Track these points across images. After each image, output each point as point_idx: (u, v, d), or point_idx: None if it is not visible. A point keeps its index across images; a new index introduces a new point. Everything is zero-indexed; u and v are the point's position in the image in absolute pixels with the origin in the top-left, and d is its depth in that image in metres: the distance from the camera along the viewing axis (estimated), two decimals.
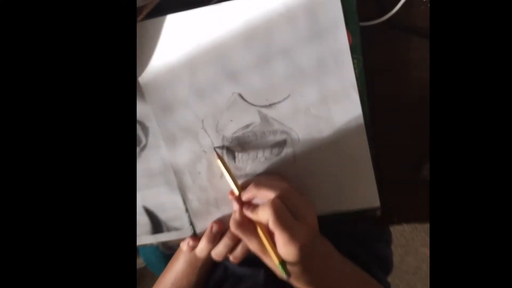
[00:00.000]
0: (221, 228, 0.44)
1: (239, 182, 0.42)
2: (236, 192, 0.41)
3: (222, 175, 0.43)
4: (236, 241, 0.43)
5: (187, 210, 0.45)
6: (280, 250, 0.36)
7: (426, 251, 1.12)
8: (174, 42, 0.40)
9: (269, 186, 0.38)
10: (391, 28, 0.41)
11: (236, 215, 0.40)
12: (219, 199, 0.44)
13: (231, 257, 0.43)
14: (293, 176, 0.42)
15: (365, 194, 0.42)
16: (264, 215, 0.37)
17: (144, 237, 0.46)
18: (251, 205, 0.40)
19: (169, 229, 0.45)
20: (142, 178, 0.44)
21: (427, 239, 1.14)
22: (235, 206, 0.40)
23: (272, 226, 0.36)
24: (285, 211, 0.37)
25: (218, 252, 0.43)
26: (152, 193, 0.45)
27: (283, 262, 0.36)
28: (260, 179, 0.42)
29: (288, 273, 0.37)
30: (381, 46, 0.41)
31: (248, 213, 0.39)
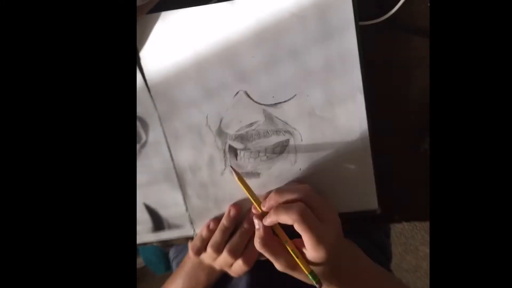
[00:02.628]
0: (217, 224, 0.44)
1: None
2: (258, 209, 0.40)
3: (223, 172, 0.43)
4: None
5: (187, 209, 0.45)
6: (309, 253, 0.36)
7: (426, 249, 1.12)
8: (182, 38, 0.40)
9: (291, 191, 0.38)
10: (391, 28, 0.41)
11: (260, 232, 0.38)
12: (219, 195, 0.44)
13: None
14: (293, 176, 0.42)
15: (364, 197, 0.43)
16: (288, 218, 0.36)
17: (145, 235, 0.46)
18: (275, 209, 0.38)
19: (170, 227, 0.45)
20: (143, 175, 0.44)
21: (427, 237, 1.14)
22: (257, 224, 0.39)
23: (299, 227, 0.35)
24: (309, 213, 0.36)
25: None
26: (153, 190, 0.45)
27: (312, 272, 0.37)
28: (281, 187, 0.42)
29: (319, 282, 0.37)
30: (381, 46, 0.41)
31: (270, 218, 0.38)
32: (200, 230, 0.44)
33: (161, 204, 0.45)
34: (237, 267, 0.42)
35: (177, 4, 0.40)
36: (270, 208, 0.39)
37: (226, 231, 0.43)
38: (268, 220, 0.38)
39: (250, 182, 0.43)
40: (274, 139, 0.42)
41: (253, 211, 0.41)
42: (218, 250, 0.42)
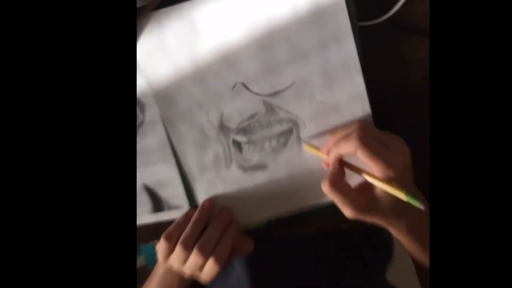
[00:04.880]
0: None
1: (247, 175, 0.43)
2: (323, 156, 0.39)
3: (229, 167, 0.43)
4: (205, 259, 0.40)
5: (186, 191, 0.45)
6: (380, 176, 0.34)
7: None
8: (175, 33, 0.41)
9: (344, 128, 0.37)
10: (391, 28, 0.41)
11: (328, 175, 0.36)
12: (227, 190, 0.44)
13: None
14: (300, 164, 0.42)
15: None
16: (348, 146, 0.34)
17: (145, 216, 0.46)
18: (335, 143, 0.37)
19: (170, 207, 0.45)
20: (140, 155, 0.44)
21: None
22: (331, 168, 0.37)
23: (362, 154, 0.33)
24: (370, 138, 0.34)
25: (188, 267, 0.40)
26: (151, 171, 0.45)
27: (410, 194, 0.33)
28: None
29: (423, 201, 0.33)
30: (381, 46, 0.42)
31: (332, 154, 0.36)
32: (178, 218, 0.43)
33: (160, 184, 0.45)
34: (208, 268, 0.39)
35: (171, 3, 0.40)
36: (329, 149, 0.38)
37: (198, 225, 0.41)
38: (331, 157, 0.37)
39: (258, 175, 0.43)
40: (277, 129, 0.42)
41: (323, 164, 0.40)
42: (188, 247, 0.39)
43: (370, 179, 0.36)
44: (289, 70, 0.40)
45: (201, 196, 0.45)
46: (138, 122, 0.44)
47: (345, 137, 0.35)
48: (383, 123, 0.41)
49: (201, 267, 0.40)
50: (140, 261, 0.92)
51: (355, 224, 0.45)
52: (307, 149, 0.41)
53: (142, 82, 0.42)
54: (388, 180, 0.34)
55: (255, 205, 0.44)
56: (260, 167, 0.43)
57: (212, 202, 0.44)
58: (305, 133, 0.42)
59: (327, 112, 0.41)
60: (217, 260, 0.39)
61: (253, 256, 0.46)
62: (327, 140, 0.39)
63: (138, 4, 0.38)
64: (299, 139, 0.42)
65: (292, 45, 0.40)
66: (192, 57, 0.41)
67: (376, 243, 0.59)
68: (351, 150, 0.34)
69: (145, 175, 0.45)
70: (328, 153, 0.38)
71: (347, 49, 0.39)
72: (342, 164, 0.38)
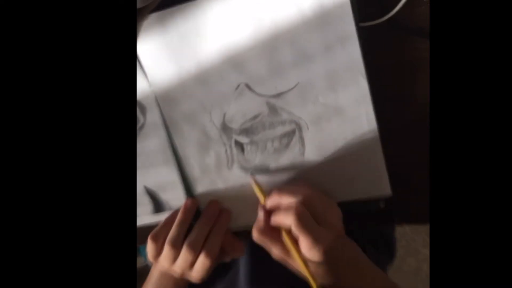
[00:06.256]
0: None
1: (249, 176, 0.43)
2: (262, 200, 0.40)
3: (231, 167, 0.43)
4: (196, 256, 0.40)
5: (186, 193, 0.45)
6: (304, 254, 0.36)
7: (427, 252, 1.11)
8: (180, 33, 0.41)
9: (291, 192, 0.38)
10: (392, 28, 0.41)
11: (259, 223, 0.39)
12: (229, 190, 0.44)
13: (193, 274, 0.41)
14: (302, 166, 0.42)
15: (376, 183, 0.42)
16: (286, 220, 0.37)
17: (146, 216, 0.46)
18: (275, 212, 0.39)
19: (171, 208, 0.45)
20: (142, 157, 0.44)
21: (428, 240, 1.14)
22: (260, 215, 0.40)
23: (295, 230, 0.36)
24: (307, 216, 0.36)
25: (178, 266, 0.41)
26: (152, 173, 0.45)
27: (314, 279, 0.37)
28: (283, 186, 0.41)
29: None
30: (382, 46, 0.42)
31: (272, 221, 0.39)
32: (164, 218, 0.43)
33: (161, 187, 0.45)
34: (199, 265, 0.40)
35: (175, 4, 0.40)
36: (272, 207, 0.39)
37: (183, 225, 0.42)
38: (273, 221, 0.39)
39: (259, 176, 0.43)
40: (280, 130, 0.42)
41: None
42: (176, 246, 0.40)
43: (292, 252, 0.37)
44: (293, 72, 0.40)
45: (202, 197, 0.44)
46: (139, 124, 0.44)
47: (285, 211, 0.37)
48: (384, 124, 0.41)
49: (192, 265, 0.40)
50: (140, 261, 0.92)
51: (358, 224, 0.45)
52: (252, 184, 0.42)
53: (143, 85, 0.42)
54: (305, 259, 0.37)
55: (256, 206, 0.44)
56: (262, 168, 0.43)
57: (194, 201, 0.44)
58: (308, 135, 0.42)
59: (330, 115, 0.41)
60: (208, 255, 0.40)
61: (253, 252, 0.46)
62: (273, 197, 0.39)
63: (138, 5, 0.38)
64: (301, 141, 0.42)
65: (297, 46, 0.40)
66: (196, 58, 0.41)
67: (379, 243, 0.59)
68: (288, 224, 0.36)
69: (146, 177, 0.45)
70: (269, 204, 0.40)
71: (352, 51, 0.39)
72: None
